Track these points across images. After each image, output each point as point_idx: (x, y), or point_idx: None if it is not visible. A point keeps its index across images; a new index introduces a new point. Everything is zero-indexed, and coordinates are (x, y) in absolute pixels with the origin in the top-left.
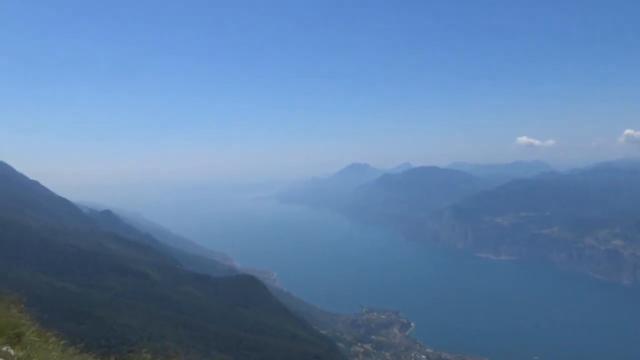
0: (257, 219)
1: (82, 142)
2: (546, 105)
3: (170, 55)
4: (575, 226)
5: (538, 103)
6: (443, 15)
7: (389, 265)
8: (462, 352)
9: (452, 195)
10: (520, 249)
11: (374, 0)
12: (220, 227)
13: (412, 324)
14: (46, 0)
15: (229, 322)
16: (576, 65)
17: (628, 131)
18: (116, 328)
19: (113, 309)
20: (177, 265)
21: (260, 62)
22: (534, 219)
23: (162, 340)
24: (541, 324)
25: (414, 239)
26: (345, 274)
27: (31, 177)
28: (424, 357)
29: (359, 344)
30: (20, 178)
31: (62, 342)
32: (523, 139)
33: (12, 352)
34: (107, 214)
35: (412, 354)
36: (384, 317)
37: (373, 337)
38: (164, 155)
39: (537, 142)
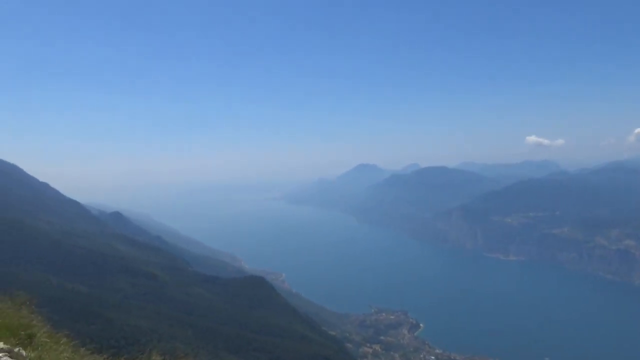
0: (265, 220)
1: (90, 144)
2: (555, 105)
3: (176, 58)
4: (585, 226)
5: (547, 103)
6: (443, 15)
7: (398, 265)
8: (471, 353)
9: (461, 196)
10: (530, 249)
11: (375, 0)
12: (229, 228)
13: (421, 325)
14: (55, 7)
15: (238, 323)
16: (586, 64)
17: (638, 130)
18: (126, 329)
19: (123, 310)
20: (187, 267)
21: (266, 63)
22: (543, 219)
23: (171, 342)
24: (551, 324)
25: (423, 240)
26: (354, 274)
27: (41, 179)
28: (433, 358)
29: (368, 345)
30: (31, 180)
31: (73, 343)
32: (532, 139)
33: (24, 353)
34: (117, 216)
35: (421, 355)
36: (392, 317)
37: (382, 337)
38: (172, 157)
39: (546, 142)
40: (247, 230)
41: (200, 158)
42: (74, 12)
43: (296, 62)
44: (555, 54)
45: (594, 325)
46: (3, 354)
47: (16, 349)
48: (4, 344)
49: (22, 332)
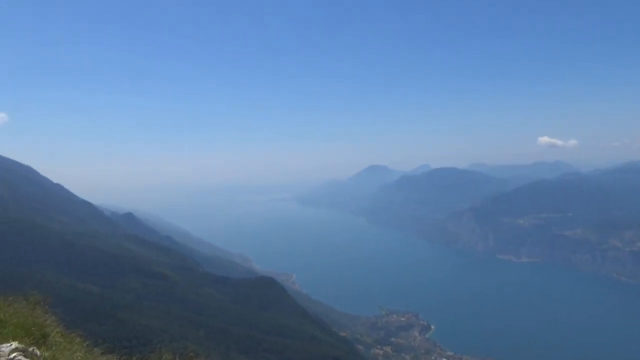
0: (275, 221)
1: (103, 145)
2: (568, 106)
3: (186, 59)
4: (599, 227)
5: (560, 103)
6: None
7: (408, 266)
8: (482, 355)
9: (472, 197)
10: (542, 251)
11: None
12: (239, 229)
13: (432, 327)
14: (65, 9)
15: (249, 324)
16: (600, 64)
17: None
18: (138, 329)
19: (135, 310)
20: (197, 267)
21: (274, 64)
22: (556, 220)
23: (183, 342)
24: (562, 326)
25: (434, 241)
26: (364, 275)
27: (55, 180)
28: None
29: (379, 347)
30: (44, 181)
31: (86, 343)
32: (545, 139)
33: (38, 352)
34: (129, 217)
35: (433, 357)
36: (403, 319)
37: (393, 339)
38: (184, 158)
39: (559, 142)
40: (258, 231)
41: (212, 160)
42: (82, 14)
43: (305, 65)
44: (570, 54)
45: (608, 327)
46: (18, 353)
47: (30, 349)
48: (19, 343)
49: (36, 332)
